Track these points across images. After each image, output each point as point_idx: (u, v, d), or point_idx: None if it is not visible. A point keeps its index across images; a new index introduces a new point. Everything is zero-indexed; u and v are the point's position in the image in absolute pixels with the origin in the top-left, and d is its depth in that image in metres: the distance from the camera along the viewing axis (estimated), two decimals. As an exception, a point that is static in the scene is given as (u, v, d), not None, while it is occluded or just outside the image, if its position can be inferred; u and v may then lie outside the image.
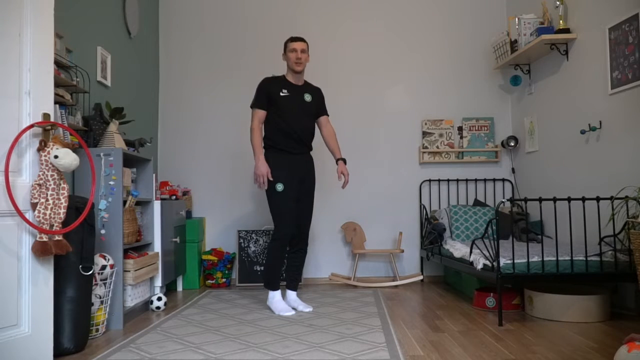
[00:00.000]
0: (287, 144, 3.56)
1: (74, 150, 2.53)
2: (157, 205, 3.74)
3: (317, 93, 3.76)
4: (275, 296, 3.54)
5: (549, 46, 3.98)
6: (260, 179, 3.46)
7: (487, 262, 3.21)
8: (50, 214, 2.34)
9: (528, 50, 4.11)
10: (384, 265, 4.89)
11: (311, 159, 3.72)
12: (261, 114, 3.59)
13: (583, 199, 3.10)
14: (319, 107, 3.75)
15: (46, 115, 2.42)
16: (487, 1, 5.01)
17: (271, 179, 3.47)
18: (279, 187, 3.49)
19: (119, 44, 4.07)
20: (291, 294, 3.67)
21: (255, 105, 3.61)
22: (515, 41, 4.30)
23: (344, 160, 3.75)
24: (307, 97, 3.66)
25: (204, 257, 4.59)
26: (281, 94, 3.58)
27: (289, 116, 3.56)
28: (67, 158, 2.38)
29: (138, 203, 3.62)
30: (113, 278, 3.01)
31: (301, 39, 3.63)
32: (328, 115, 3.84)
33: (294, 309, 3.56)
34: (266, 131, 3.64)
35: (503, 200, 3.24)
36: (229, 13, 5.03)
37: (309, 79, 4.87)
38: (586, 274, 3.07)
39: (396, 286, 4.56)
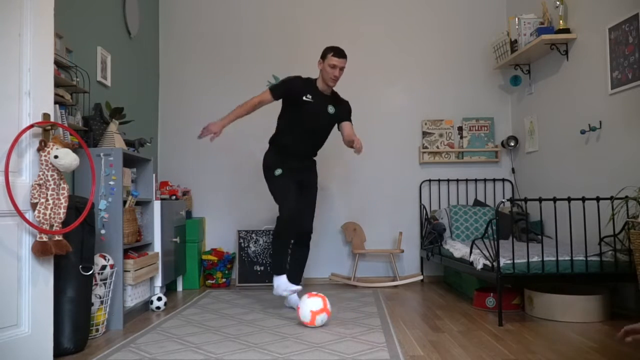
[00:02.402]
0: (295, 148, 3.56)
1: (74, 150, 2.53)
2: (157, 205, 3.74)
3: (343, 106, 3.68)
4: (280, 279, 3.52)
5: (549, 46, 3.98)
6: (206, 132, 3.46)
7: (487, 262, 3.21)
8: (50, 214, 2.34)
9: (528, 50, 4.11)
10: (384, 265, 4.89)
11: (314, 164, 3.76)
12: (268, 98, 3.54)
13: (583, 199, 3.10)
14: (340, 119, 3.67)
15: (46, 116, 2.42)
16: (487, 1, 5.00)
17: (210, 141, 3.53)
18: (278, 171, 3.51)
19: (119, 44, 4.07)
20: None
21: (272, 89, 3.55)
22: (515, 41, 4.29)
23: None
24: (331, 109, 3.61)
25: (204, 257, 4.59)
26: (305, 98, 3.53)
27: (306, 122, 3.53)
28: (67, 158, 2.38)
29: (138, 203, 3.62)
30: (113, 278, 3.01)
31: (344, 56, 3.53)
32: (351, 123, 3.69)
33: (292, 308, 3.57)
34: (280, 128, 3.64)
35: (503, 200, 3.24)
36: (229, 13, 5.02)
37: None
38: (586, 274, 3.07)
39: (396, 286, 4.56)
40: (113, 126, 3.38)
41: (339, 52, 3.53)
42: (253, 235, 4.70)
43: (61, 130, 2.87)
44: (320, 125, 3.61)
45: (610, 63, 3.39)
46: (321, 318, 3.04)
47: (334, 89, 3.68)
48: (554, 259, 3.10)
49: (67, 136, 2.96)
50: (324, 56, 3.56)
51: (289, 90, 3.54)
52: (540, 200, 3.20)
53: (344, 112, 3.67)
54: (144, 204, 3.73)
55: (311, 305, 3.02)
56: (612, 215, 3.00)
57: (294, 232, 3.53)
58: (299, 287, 3.50)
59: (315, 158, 3.79)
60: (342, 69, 3.52)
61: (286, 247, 3.54)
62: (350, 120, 3.71)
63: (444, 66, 4.98)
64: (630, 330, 2.08)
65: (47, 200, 2.35)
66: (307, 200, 3.65)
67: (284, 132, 3.59)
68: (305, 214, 3.64)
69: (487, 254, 3.22)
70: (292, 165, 3.55)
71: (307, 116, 3.53)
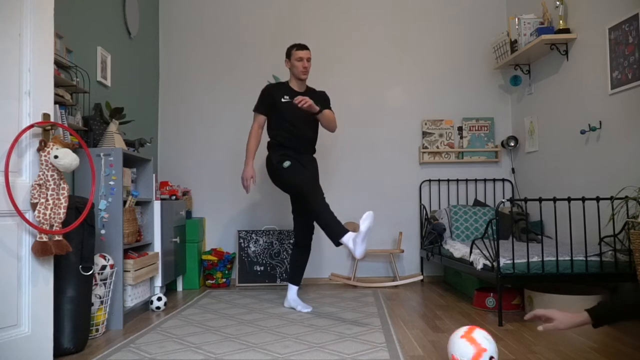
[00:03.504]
0: (291, 143, 3.60)
1: (74, 150, 2.53)
2: (157, 205, 3.74)
3: (320, 96, 3.74)
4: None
5: (549, 46, 3.98)
6: (245, 182, 3.60)
7: (487, 262, 3.21)
8: (50, 214, 2.34)
9: (528, 50, 4.11)
10: (384, 265, 4.89)
11: (314, 160, 3.77)
12: (261, 118, 3.68)
13: (583, 199, 3.10)
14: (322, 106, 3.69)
15: (46, 116, 2.42)
16: (487, 1, 5.00)
17: (254, 184, 3.73)
18: (287, 163, 3.47)
19: (119, 44, 4.07)
20: (292, 291, 3.67)
21: (256, 109, 3.70)
22: (515, 41, 4.29)
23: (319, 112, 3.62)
24: None
25: (204, 257, 4.59)
26: (282, 100, 3.62)
27: (290, 122, 3.59)
28: (67, 158, 2.38)
29: (138, 203, 3.62)
30: (113, 278, 3.01)
31: (307, 47, 3.67)
32: (331, 110, 3.73)
33: (292, 308, 3.58)
34: (270, 134, 3.68)
35: (503, 200, 3.24)
36: (229, 13, 5.02)
37: (309, 80, 4.88)
38: (586, 274, 3.07)
39: (396, 286, 4.56)
40: (113, 126, 3.38)
41: (300, 45, 3.67)
42: (253, 235, 4.70)
43: (61, 130, 2.87)
44: (303, 119, 3.61)
45: (610, 63, 3.39)
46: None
47: (308, 84, 3.79)
48: (554, 259, 3.10)
49: (67, 136, 2.96)
50: (288, 54, 3.69)
51: (266, 99, 3.66)
52: (540, 200, 3.20)
53: (320, 101, 3.67)
54: (144, 204, 3.73)
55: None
56: (612, 215, 3.00)
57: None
58: (296, 308, 3.57)
59: (314, 155, 3.79)
60: (308, 59, 3.64)
61: (330, 211, 3.25)
62: (329, 108, 3.74)
63: (444, 66, 4.98)
64: (540, 315, 2.11)
65: (47, 200, 2.35)
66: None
67: (276, 134, 3.63)
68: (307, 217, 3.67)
69: (487, 254, 3.22)
70: (296, 157, 3.57)
71: (290, 115, 3.59)
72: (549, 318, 2.09)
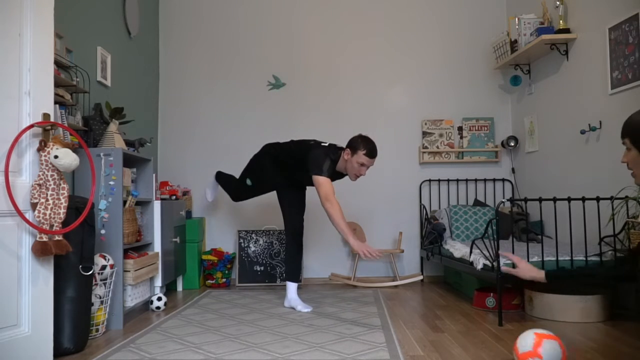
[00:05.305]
0: (278, 175, 3.63)
1: (74, 150, 2.53)
2: (157, 205, 3.74)
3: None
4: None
5: (549, 46, 3.98)
6: (367, 254, 3.01)
7: (487, 262, 3.21)
8: (50, 214, 2.34)
9: (528, 50, 4.11)
10: (384, 265, 4.89)
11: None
12: (329, 184, 3.28)
13: (583, 199, 3.10)
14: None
15: (46, 115, 2.42)
16: (487, 1, 5.00)
17: (374, 255, 3.00)
18: (248, 182, 3.73)
19: (119, 44, 4.07)
20: (292, 290, 3.68)
21: (323, 173, 3.27)
22: (515, 41, 4.29)
23: None
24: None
25: (204, 257, 4.59)
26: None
27: (297, 176, 3.57)
28: (67, 158, 2.38)
29: (138, 203, 3.62)
30: (113, 278, 3.01)
31: (376, 155, 3.33)
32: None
33: (292, 308, 3.58)
34: (273, 151, 3.63)
35: (503, 200, 3.24)
36: (229, 13, 5.02)
37: (309, 80, 4.88)
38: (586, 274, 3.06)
39: (396, 286, 4.56)
40: (113, 126, 3.38)
41: (371, 152, 3.28)
42: (253, 235, 4.70)
43: (61, 130, 2.87)
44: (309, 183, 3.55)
45: (610, 63, 3.39)
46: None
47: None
48: (554, 259, 3.10)
49: (67, 136, 2.96)
50: (353, 149, 3.30)
51: (329, 170, 3.35)
52: (540, 200, 3.20)
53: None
54: (144, 204, 3.73)
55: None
56: (612, 215, 3.00)
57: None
58: (296, 308, 3.56)
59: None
60: (368, 168, 3.34)
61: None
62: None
63: (444, 66, 4.98)
64: (510, 257, 2.56)
65: (47, 200, 2.35)
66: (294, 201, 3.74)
67: (276, 160, 3.60)
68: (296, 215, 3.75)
69: (487, 254, 3.22)
70: (280, 183, 3.65)
71: (305, 178, 3.48)
72: (515, 263, 2.52)
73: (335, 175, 3.52)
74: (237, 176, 4.00)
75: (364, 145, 3.29)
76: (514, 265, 2.55)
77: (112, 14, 3.98)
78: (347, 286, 4.59)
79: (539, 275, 2.44)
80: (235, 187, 4.00)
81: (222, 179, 4.16)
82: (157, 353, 2.56)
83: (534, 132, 4.47)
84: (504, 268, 2.53)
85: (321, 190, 3.24)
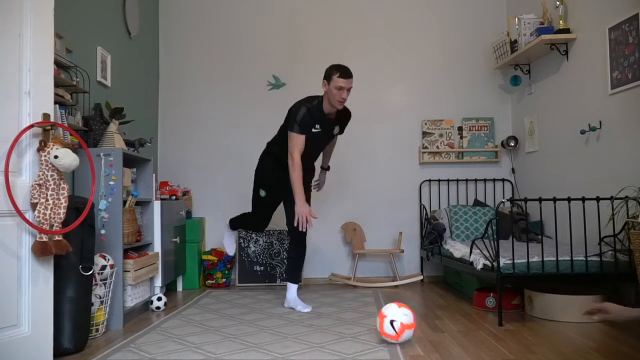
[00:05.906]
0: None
1: (74, 150, 2.53)
2: (157, 205, 3.74)
3: (345, 119, 3.65)
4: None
5: (549, 46, 3.98)
6: (303, 219, 3.32)
7: (487, 262, 3.21)
8: (50, 214, 2.34)
9: (528, 50, 4.11)
10: (384, 265, 4.89)
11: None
12: (301, 140, 3.37)
13: (583, 199, 3.10)
14: (340, 133, 3.71)
15: (46, 115, 2.42)
16: (487, 1, 5.00)
17: (315, 217, 3.42)
18: (262, 193, 3.67)
19: (119, 44, 4.07)
20: (292, 290, 3.68)
21: (294, 128, 3.35)
22: (515, 41, 4.29)
23: (328, 169, 3.87)
24: (335, 130, 3.61)
25: (204, 257, 4.59)
26: (313, 130, 3.44)
27: (310, 148, 3.49)
28: (67, 158, 2.38)
29: (138, 203, 3.62)
30: (113, 278, 3.01)
31: (350, 75, 3.33)
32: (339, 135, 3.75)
33: (292, 308, 3.58)
34: (274, 147, 3.64)
35: (503, 200, 3.24)
36: (229, 13, 5.02)
37: (309, 80, 4.88)
38: (586, 274, 3.07)
39: (396, 286, 4.56)
40: (113, 126, 3.38)
41: (345, 72, 3.30)
42: (253, 235, 4.69)
43: (61, 130, 2.87)
44: (321, 147, 3.63)
45: (610, 63, 3.39)
46: (409, 334, 2.63)
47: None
48: (554, 259, 3.10)
49: (67, 136, 2.96)
50: (328, 77, 3.34)
51: (303, 127, 3.38)
52: (540, 200, 3.20)
53: (344, 124, 3.68)
54: (144, 204, 3.73)
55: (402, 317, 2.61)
56: (612, 215, 3.00)
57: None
58: (296, 308, 3.56)
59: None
60: (349, 89, 3.34)
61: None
62: (343, 131, 3.73)
63: (444, 66, 4.98)
64: (595, 309, 2.34)
65: (47, 200, 2.35)
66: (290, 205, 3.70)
67: (281, 154, 3.56)
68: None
69: (487, 254, 3.22)
70: (285, 180, 3.55)
71: (312, 144, 3.49)
72: (603, 310, 2.30)
73: (325, 126, 3.48)
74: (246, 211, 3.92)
75: (336, 69, 3.34)
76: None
77: (112, 14, 3.98)
78: (347, 286, 4.59)
79: (638, 313, 2.24)
80: (252, 215, 3.83)
81: (237, 221, 3.93)
82: (157, 353, 2.56)
83: (533, 132, 4.47)
84: (595, 318, 2.38)
85: (289, 145, 3.39)
